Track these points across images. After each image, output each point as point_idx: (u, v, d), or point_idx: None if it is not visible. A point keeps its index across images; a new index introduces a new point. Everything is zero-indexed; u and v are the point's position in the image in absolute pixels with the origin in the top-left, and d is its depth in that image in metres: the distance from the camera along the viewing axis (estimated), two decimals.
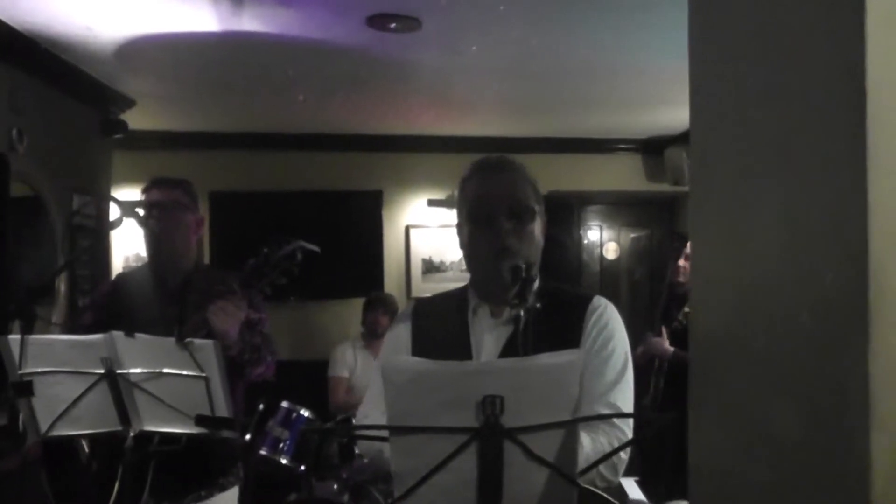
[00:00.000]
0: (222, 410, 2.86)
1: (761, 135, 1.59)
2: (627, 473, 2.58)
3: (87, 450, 3.34)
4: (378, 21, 4.84)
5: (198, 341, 2.83)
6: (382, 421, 1.73)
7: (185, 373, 2.84)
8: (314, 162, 8.40)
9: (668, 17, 4.46)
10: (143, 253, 3.72)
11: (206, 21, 4.85)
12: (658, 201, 9.37)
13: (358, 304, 7.21)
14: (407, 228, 8.67)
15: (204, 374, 2.82)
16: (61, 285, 5.80)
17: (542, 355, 1.72)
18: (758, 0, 1.64)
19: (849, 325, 1.31)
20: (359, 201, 8.54)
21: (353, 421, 4.94)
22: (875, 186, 1.26)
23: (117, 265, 7.49)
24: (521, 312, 2.07)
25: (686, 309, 5.74)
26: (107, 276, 6.44)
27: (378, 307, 6.96)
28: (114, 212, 6.56)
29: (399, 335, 2.66)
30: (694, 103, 1.89)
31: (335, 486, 5.27)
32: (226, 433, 2.92)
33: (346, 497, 5.21)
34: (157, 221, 3.54)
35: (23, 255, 5.33)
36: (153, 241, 3.57)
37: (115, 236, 7.06)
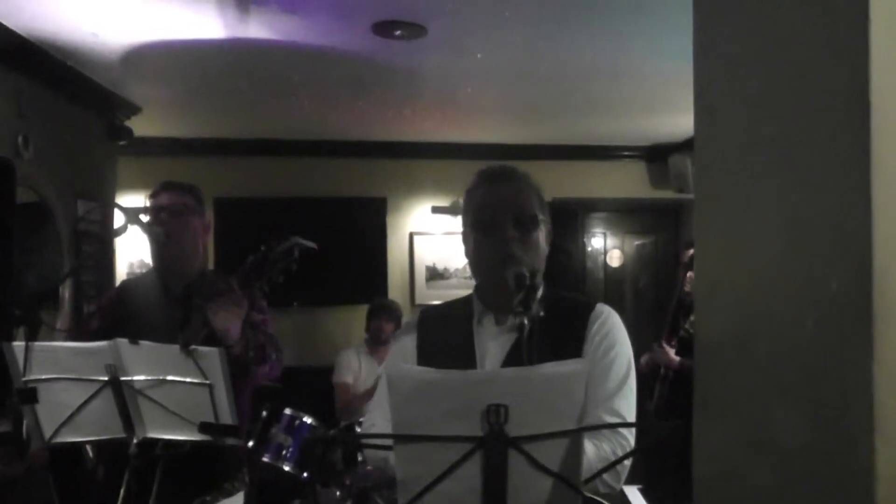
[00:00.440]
0: (226, 418, 2.86)
1: (765, 142, 1.59)
2: (631, 481, 2.57)
3: (92, 456, 3.34)
4: (384, 28, 4.85)
5: (202, 349, 2.83)
6: (388, 428, 1.73)
7: (189, 380, 2.84)
8: (319, 168, 8.41)
9: (673, 22, 4.47)
10: (148, 259, 3.71)
11: (212, 27, 4.86)
12: (662, 208, 9.36)
13: (362, 310, 7.21)
14: (411, 235, 8.68)
15: (208, 382, 2.82)
16: (66, 291, 5.80)
17: (547, 364, 1.72)
18: (761, 7, 1.64)
19: (852, 330, 1.31)
20: (363, 208, 8.55)
21: (359, 428, 4.96)
22: (879, 193, 1.26)
23: (121, 272, 7.50)
24: (525, 320, 2.07)
25: (692, 318, 5.74)
26: (111, 282, 6.44)
27: (382, 314, 6.96)
28: (118, 218, 6.58)
29: (405, 345, 2.68)
30: (698, 110, 1.89)
31: (338, 493, 5.26)
32: (230, 440, 2.92)
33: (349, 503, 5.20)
34: (166, 225, 3.54)
35: (28, 261, 5.33)
36: (160, 245, 3.57)
37: (120, 243, 7.07)
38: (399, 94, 6.55)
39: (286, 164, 8.37)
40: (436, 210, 8.60)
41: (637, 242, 9.54)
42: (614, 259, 9.53)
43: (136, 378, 2.90)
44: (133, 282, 4.29)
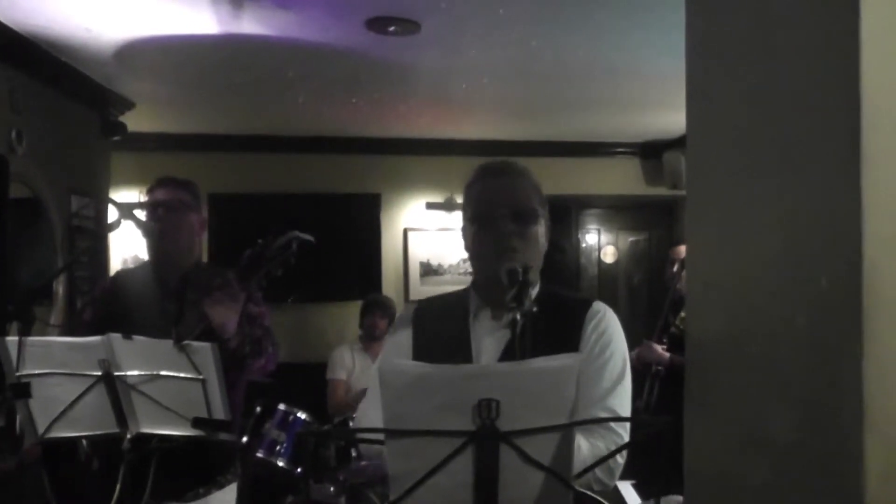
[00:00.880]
0: (219, 413, 2.86)
1: (757, 139, 1.59)
2: (623, 477, 2.58)
3: (87, 450, 3.34)
4: (377, 24, 4.85)
5: (195, 344, 2.83)
6: (381, 422, 1.74)
7: (182, 375, 2.84)
8: (313, 164, 8.41)
9: (667, 19, 4.47)
10: (142, 255, 3.71)
11: (206, 23, 4.85)
12: (656, 205, 9.36)
13: (356, 306, 7.21)
14: (405, 231, 8.67)
15: (201, 377, 2.82)
16: (60, 287, 5.80)
17: (539, 359, 1.72)
18: (754, 4, 1.64)
19: (843, 327, 1.31)
20: (357, 204, 8.55)
21: (353, 423, 4.96)
22: (869, 190, 1.27)
23: (115, 267, 7.48)
24: (518, 316, 2.08)
25: (682, 314, 5.75)
26: (105, 277, 6.43)
27: (375, 310, 6.96)
28: (112, 214, 6.56)
29: (400, 339, 2.67)
30: (691, 107, 1.89)
31: (332, 489, 5.27)
32: (223, 435, 2.92)
33: (342, 499, 5.22)
34: (162, 220, 3.54)
35: (21, 257, 5.33)
36: (156, 239, 3.57)
37: (114, 238, 7.06)
38: (393, 91, 6.56)
39: (281, 160, 8.36)
40: (430, 206, 8.60)
41: (631, 239, 9.55)
42: (608, 255, 9.54)
43: (129, 373, 2.90)
44: (127, 273, 4.28)
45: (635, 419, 2.45)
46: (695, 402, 1.86)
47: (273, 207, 8.04)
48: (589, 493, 2.27)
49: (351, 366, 6.84)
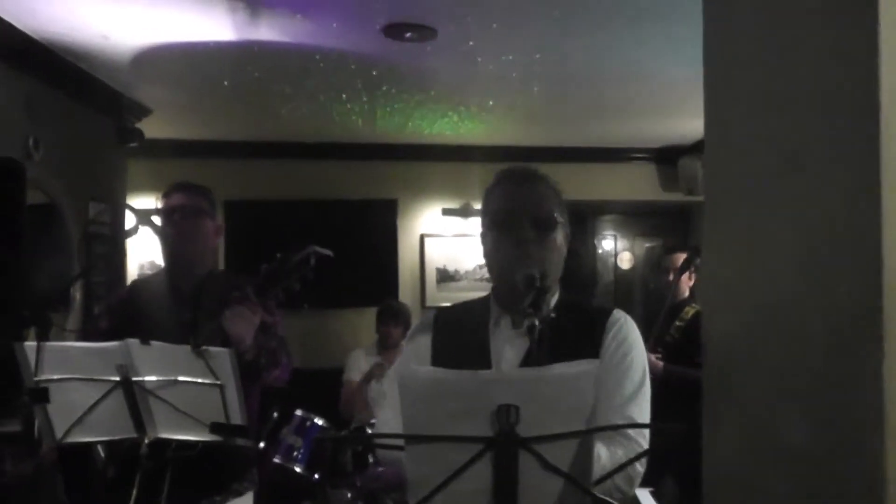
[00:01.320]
0: (237, 418, 2.86)
1: (775, 145, 1.59)
2: (642, 484, 2.57)
3: (102, 456, 3.35)
4: (394, 30, 4.86)
5: (213, 349, 2.83)
6: (400, 428, 1.74)
7: (200, 380, 2.85)
8: (329, 170, 8.42)
9: (682, 26, 4.47)
10: (159, 261, 3.72)
11: (223, 30, 4.87)
12: (672, 211, 9.34)
13: (372, 312, 7.20)
14: (422, 237, 8.67)
15: (219, 382, 2.82)
16: (77, 293, 5.82)
17: (557, 365, 1.72)
18: (772, 10, 1.64)
19: (862, 334, 1.31)
20: (374, 210, 8.56)
21: (372, 429, 4.96)
22: (889, 196, 1.26)
23: (132, 273, 7.51)
24: (536, 322, 2.07)
25: (678, 322, 5.74)
26: (122, 283, 6.45)
27: (388, 319, 6.95)
28: (129, 220, 6.59)
29: (419, 344, 2.65)
30: (708, 113, 1.89)
31: (349, 495, 5.27)
32: (240, 441, 2.92)
33: None
34: (178, 225, 3.54)
35: (38, 263, 5.34)
36: (172, 245, 3.57)
37: (131, 244, 7.09)
38: (410, 97, 6.56)
39: (297, 167, 8.38)
40: (446, 212, 8.60)
41: (647, 245, 9.53)
42: (624, 261, 9.53)
43: (147, 378, 2.91)
44: (143, 282, 4.30)
45: (653, 426, 2.44)
46: (712, 408, 1.86)
47: (289, 214, 8.06)
48: (607, 499, 2.27)
49: (365, 369, 6.84)
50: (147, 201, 7.24)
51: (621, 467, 2.22)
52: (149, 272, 7.49)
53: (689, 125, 7.38)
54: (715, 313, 1.90)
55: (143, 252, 7.58)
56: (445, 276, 8.61)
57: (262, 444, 5.23)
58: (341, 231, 7.73)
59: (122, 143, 6.73)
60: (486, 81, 6.06)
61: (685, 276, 5.88)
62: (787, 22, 1.57)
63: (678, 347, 5.63)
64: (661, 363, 5.70)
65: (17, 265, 4.72)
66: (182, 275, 3.61)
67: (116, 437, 3.01)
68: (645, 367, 2.50)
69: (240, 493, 3.52)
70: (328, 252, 2.99)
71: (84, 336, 5.31)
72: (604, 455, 2.24)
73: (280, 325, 3.54)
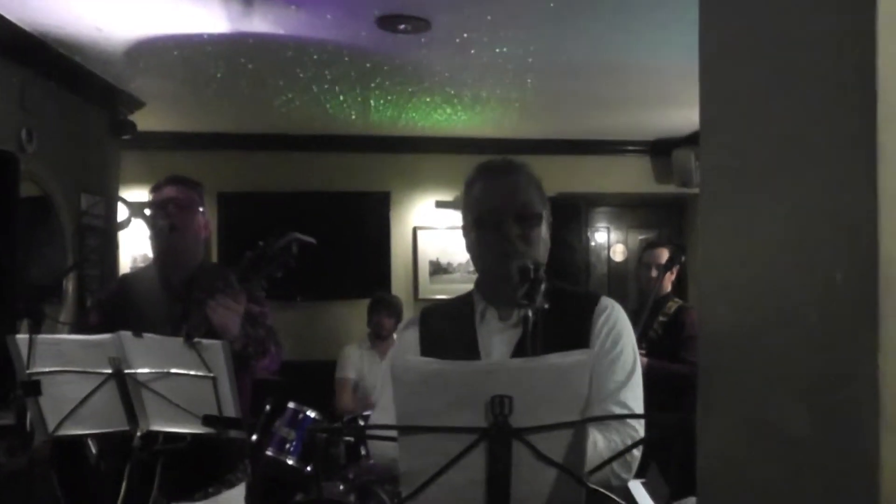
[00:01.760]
0: (230, 410, 2.85)
1: (771, 135, 1.58)
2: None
3: (94, 449, 3.35)
4: (388, 22, 4.86)
5: (206, 341, 2.82)
6: (392, 421, 1.73)
7: (192, 373, 2.83)
8: (323, 163, 8.42)
9: (678, 16, 4.47)
10: (151, 253, 3.71)
11: (216, 22, 4.86)
12: (666, 203, 9.35)
13: (365, 305, 7.20)
14: (414, 230, 8.68)
15: (212, 374, 2.81)
16: (69, 285, 5.81)
17: (552, 355, 1.72)
18: (768, 0, 1.63)
19: (858, 323, 1.31)
20: (366, 202, 8.56)
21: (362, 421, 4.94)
22: (885, 185, 1.26)
23: (125, 265, 7.51)
24: (530, 313, 2.07)
25: (661, 318, 5.75)
26: (115, 276, 6.45)
27: (382, 309, 6.96)
28: (122, 212, 6.58)
29: (407, 341, 2.65)
30: (703, 104, 1.88)
31: (341, 487, 5.28)
32: (233, 433, 2.92)
33: (352, 497, 5.22)
34: (172, 217, 3.54)
35: (32, 255, 5.35)
36: (163, 237, 3.56)
37: (123, 237, 7.08)
38: (403, 88, 6.56)
39: (290, 159, 8.37)
40: (439, 204, 8.60)
41: (641, 237, 9.52)
42: (618, 254, 9.54)
43: (139, 371, 2.90)
44: (133, 276, 4.30)
45: (649, 415, 2.44)
46: (707, 398, 1.85)
47: (282, 206, 8.05)
48: (601, 489, 2.27)
49: (360, 364, 6.84)
50: (140, 194, 7.18)
51: (618, 455, 2.23)
52: (142, 264, 7.48)
53: (684, 117, 7.38)
54: (710, 303, 1.90)
55: (136, 244, 7.56)
56: (438, 269, 8.62)
57: (254, 437, 5.24)
58: (334, 223, 7.74)
59: (115, 136, 6.73)
60: (479, 73, 6.06)
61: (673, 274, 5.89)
62: (783, 11, 1.56)
63: (661, 342, 5.63)
64: (645, 359, 5.72)
65: (10, 257, 4.72)
66: (173, 268, 3.61)
67: (109, 430, 3.01)
68: (636, 353, 2.51)
69: (232, 484, 3.52)
70: (310, 239, 2.99)
71: (75, 330, 5.32)
72: (600, 442, 2.25)
73: (268, 315, 3.54)
